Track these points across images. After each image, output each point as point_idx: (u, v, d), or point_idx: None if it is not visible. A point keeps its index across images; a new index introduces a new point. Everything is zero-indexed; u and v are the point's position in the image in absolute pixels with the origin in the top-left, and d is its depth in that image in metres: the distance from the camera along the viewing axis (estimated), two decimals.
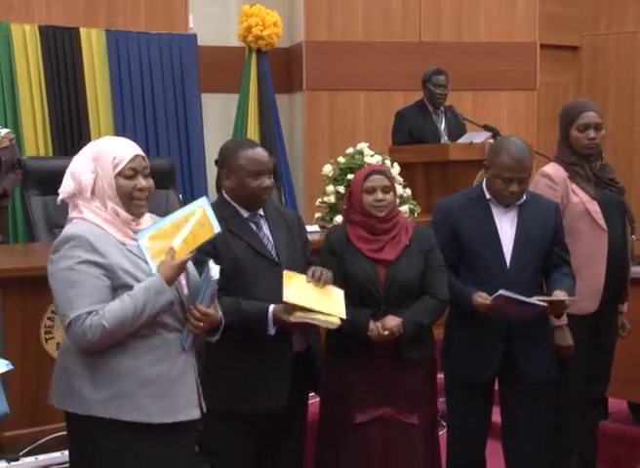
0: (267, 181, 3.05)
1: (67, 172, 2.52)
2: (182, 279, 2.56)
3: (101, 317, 2.34)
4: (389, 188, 3.25)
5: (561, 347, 3.44)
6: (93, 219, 2.45)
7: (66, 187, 2.50)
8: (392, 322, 3.13)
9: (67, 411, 2.48)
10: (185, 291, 2.56)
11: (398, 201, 4.89)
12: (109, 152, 2.48)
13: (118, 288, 2.42)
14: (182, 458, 2.59)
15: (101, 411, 2.39)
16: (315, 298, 2.95)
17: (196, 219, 2.53)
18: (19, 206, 6.33)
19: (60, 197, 2.51)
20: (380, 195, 3.22)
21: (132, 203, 2.49)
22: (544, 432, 3.41)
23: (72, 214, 2.51)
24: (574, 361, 3.46)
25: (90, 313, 2.35)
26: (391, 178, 3.34)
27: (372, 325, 3.14)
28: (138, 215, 2.52)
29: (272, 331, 2.92)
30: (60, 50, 7.13)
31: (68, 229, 2.46)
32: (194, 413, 2.55)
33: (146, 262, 2.46)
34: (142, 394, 2.42)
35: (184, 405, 2.52)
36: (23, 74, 6.97)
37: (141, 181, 2.50)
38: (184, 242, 2.49)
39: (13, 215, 6.62)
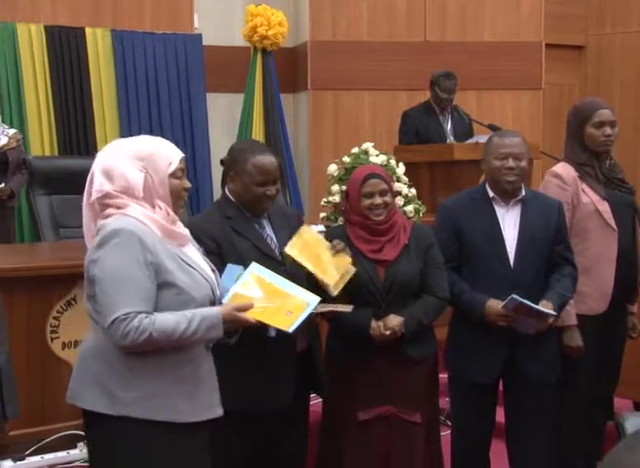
0: (272, 189, 3.04)
1: (100, 170, 2.46)
2: (215, 279, 2.59)
3: (151, 323, 2.33)
4: (386, 191, 3.25)
5: (570, 348, 3.43)
6: (136, 216, 2.41)
7: (102, 186, 2.43)
8: (394, 321, 3.14)
9: (90, 411, 2.43)
10: (218, 292, 2.58)
11: (403, 200, 4.90)
12: (161, 152, 2.49)
13: (162, 285, 2.42)
14: (204, 456, 2.62)
15: (134, 411, 2.38)
16: (317, 261, 2.96)
17: (294, 305, 2.63)
18: (24, 205, 6.34)
19: (95, 196, 2.44)
20: (377, 200, 3.22)
21: (177, 203, 2.52)
22: (548, 432, 3.41)
23: (108, 210, 2.44)
24: (582, 361, 3.46)
25: (139, 313, 2.34)
26: (388, 179, 3.33)
27: (373, 324, 3.15)
28: (180, 215, 2.55)
29: (273, 333, 2.85)
30: (66, 50, 7.14)
31: (114, 223, 2.39)
32: (219, 411, 2.56)
33: (192, 267, 2.49)
34: (174, 393, 2.42)
35: (211, 403, 2.53)
36: (29, 74, 6.98)
37: (187, 182, 2.56)
38: (265, 309, 2.57)
39: (18, 215, 6.63)
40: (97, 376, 2.42)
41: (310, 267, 2.97)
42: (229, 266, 2.76)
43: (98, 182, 2.45)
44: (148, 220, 2.42)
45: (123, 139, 2.57)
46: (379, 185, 3.23)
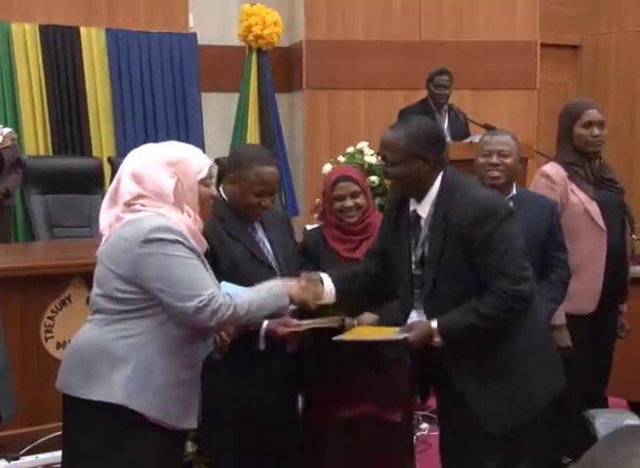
0: (268, 201, 3.05)
1: (129, 174, 2.46)
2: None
3: (232, 299, 2.43)
4: (358, 192, 3.24)
5: (559, 348, 3.43)
6: (172, 217, 2.43)
7: (131, 188, 2.44)
8: (369, 319, 3.14)
9: (80, 400, 2.42)
10: None
11: None
12: (192, 159, 2.50)
13: None
14: (178, 462, 2.65)
15: (131, 402, 2.38)
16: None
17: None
18: (18, 204, 6.34)
19: (127, 198, 2.44)
20: (348, 202, 3.22)
21: (204, 210, 2.55)
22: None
23: (136, 206, 2.44)
24: (572, 361, 3.46)
25: (219, 292, 2.42)
26: (361, 181, 3.31)
27: (348, 321, 3.14)
28: (205, 222, 2.57)
29: (262, 346, 2.93)
30: (61, 49, 7.13)
31: (155, 221, 2.40)
32: (195, 423, 2.57)
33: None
34: (170, 394, 2.43)
35: (194, 412, 2.55)
36: (24, 73, 6.97)
37: (214, 189, 2.59)
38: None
39: (13, 214, 6.62)
40: (103, 369, 2.40)
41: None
42: (224, 285, 2.76)
43: (126, 185, 2.45)
44: (181, 223, 2.44)
45: (153, 144, 2.57)
46: (349, 188, 3.23)
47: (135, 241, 2.38)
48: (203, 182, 2.51)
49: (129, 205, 2.45)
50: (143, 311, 2.41)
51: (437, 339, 2.70)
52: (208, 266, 2.52)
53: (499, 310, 2.66)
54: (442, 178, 2.75)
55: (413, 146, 2.70)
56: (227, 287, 2.73)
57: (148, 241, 2.37)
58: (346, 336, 2.92)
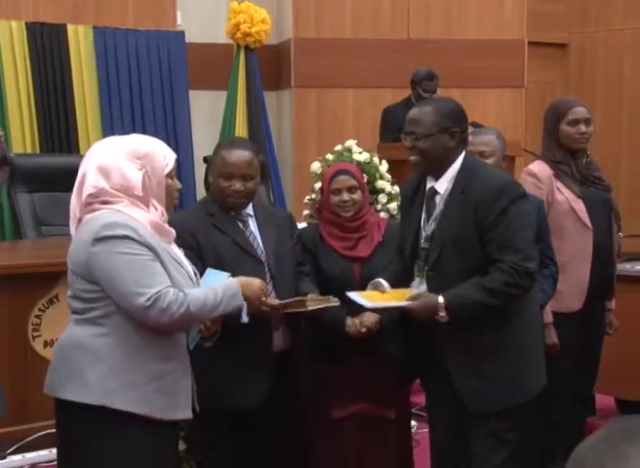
0: (237, 185, 3.00)
1: (96, 167, 2.45)
2: (196, 282, 2.62)
3: (186, 297, 2.38)
4: (356, 188, 3.25)
5: (546, 345, 3.45)
6: (127, 212, 2.41)
7: (97, 182, 2.43)
8: (370, 318, 3.13)
9: (65, 401, 2.42)
10: None
11: (387, 198, 4.90)
12: (158, 152, 2.50)
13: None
14: (174, 456, 2.65)
15: (111, 401, 2.37)
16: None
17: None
18: (5, 203, 6.30)
19: (90, 191, 2.42)
20: (345, 196, 3.22)
21: (170, 203, 2.55)
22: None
23: (94, 205, 2.43)
24: (559, 359, 3.47)
25: (169, 288, 2.37)
26: (359, 176, 3.32)
27: (349, 321, 3.14)
28: (170, 215, 2.58)
29: (245, 318, 2.81)
30: (48, 47, 7.10)
31: (106, 217, 2.39)
32: (189, 414, 2.56)
33: (181, 264, 2.54)
34: (151, 388, 2.42)
35: (185, 403, 2.54)
36: (10, 71, 6.94)
37: (178, 182, 2.59)
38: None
39: None
40: (76, 366, 2.41)
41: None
42: (210, 271, 2.76)
43: (92, 179, 2.44)
44: (139, 217, 2.42)
45: (117, 137, 2.56)
46: (347, 182, 3.24)
47: (87, 240, 2.39)
48: (169, 175, 2.51)
49: (89, 203, 2.44)
50: (109, 308, 2.40)
51: (442, 314, 2.74)
52: (167, 259, 2.46)
53: (506, 285, 2.71)
54: (464, 158, 2.87)
55: (441, 120, 2.82)
56: (212, 273, 2.73)
57: (98, 240, 2.37)
58: (363, 298, 2.90)
